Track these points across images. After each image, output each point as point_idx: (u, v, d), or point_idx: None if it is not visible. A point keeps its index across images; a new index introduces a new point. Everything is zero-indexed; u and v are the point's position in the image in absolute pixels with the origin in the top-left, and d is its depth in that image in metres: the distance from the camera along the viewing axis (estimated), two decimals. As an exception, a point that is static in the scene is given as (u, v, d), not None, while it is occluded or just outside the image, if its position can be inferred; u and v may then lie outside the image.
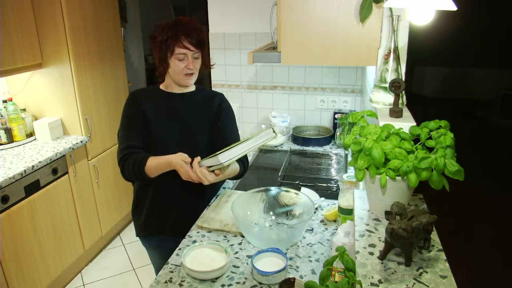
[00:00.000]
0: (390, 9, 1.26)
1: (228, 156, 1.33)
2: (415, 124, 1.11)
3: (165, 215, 1.65)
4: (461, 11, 1.04)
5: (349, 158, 1.82)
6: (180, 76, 1.56)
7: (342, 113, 2.54)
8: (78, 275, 2.82)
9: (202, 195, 1.69)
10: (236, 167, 1.59)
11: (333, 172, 2.07)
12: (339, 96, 2.60)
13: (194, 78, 1.60)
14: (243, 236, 1.46)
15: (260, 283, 1.21)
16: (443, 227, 1.01)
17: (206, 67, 1.66)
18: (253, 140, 1.34)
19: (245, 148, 1.35)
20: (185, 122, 1.61)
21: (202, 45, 1.56)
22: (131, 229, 3.35)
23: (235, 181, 1.97)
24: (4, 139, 2.54)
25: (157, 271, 1.80)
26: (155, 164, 1.49)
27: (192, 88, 1.70)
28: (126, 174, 1.55)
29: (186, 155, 1.44)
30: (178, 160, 1.43)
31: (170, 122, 1.60)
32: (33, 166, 2.28)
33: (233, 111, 1.77)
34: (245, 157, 1.70)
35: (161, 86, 1.67)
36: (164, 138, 1.59)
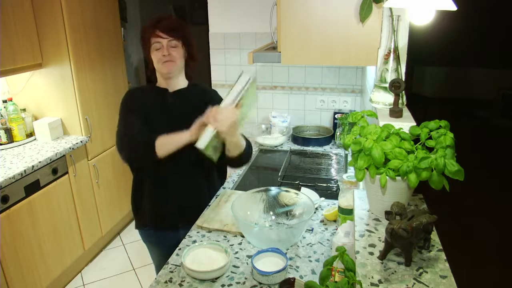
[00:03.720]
0: (390, 9, 1.26)
1: (231, 98, 1.41)
2: (415, 124, 1.11)
3: (162, 206, 1.67)
4: (461, 11, 1.04)
5: (349, 158, 1.82)
6: (159, 65, 1.60)
7: (342, 113, 2.54)
8: (78, 275, 2.82)
9: (199, 186, 1.70)
10: (243, 142, 1.59)
11: (333, 172, 2.07)
12: (339, 96, 2.60)
13: (174, 67, 1.60)
14: (243, 236, 1.46)
15: (260, 283, 1.21)
16: (443, 227, 1.01)
17: (192, 60, 1.68)
18: (237, 85, 1.42)
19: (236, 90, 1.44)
20: (178, 118, 1.61)
21: (179, 35, 1.58)
22: (131, 229, 3.35)
23: (235, 181, 1.97)
24: (4, 139, 2.54)
25: (157, 268, 1.81)
26: (168, 138, 1.50)
27: (184, 84, 1.71)
28: (126, 154, 1.56)
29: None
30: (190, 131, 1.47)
31: (163, 118, 1.62)
32: (33, 166, 2.28)
33: None
34: (247, 141, 1.67)
35: (157, 85, 1.70)
36: (156, 134, 1.60)
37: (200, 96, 1.72)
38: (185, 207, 1.66)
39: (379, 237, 0.96)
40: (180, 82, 1.69)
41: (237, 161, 1.63)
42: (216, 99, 1.76)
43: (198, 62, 1.71)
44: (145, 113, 1.61)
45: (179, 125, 1.59)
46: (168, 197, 1.65)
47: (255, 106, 1.53)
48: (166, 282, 1.24)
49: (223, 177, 1.91)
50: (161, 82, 1.67)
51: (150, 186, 1.66)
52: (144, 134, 1.54)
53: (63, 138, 2.73)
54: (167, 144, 1.50)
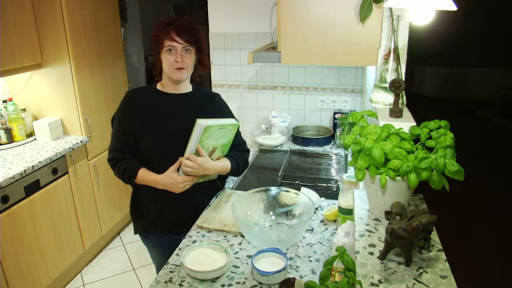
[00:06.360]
0: (390, 9, 1.26)
1: (207, 122, 1.49)
2: (415, 124, 1.11)
3: (162, 212, 1.66)
4: (461, 11, 1.04)
5: (349, 158, 1.82)
6: (170, 70, 1.57)
7: (342, 113, 2.54)
8: (78, 275, 2.82)
9: (199, 191, 1.69)
10: (227, 164, 1.67)
11: (333, 172, 2.07)
12: (339, 96, 2.60)
13: (185, 73, 1.60)
14: (243, 236, 1.46)
15: (260, 283, 1.21)
16: (443, 227, 1.01)
17: (202, 66, 1.67)
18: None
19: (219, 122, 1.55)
20: (182, 122, 1.61)
21: (194, 41, 1.57)
22: (131, 229, 3.33)
23: (235, 181, 1.97)
24: (4, 139, 2.54)
25: (158, 269, 1.81)
26: (145, 178, 1.61)
27: (189, 88, 1.71)
28: (116, 175, 1.67)
29: (174, 172, 1.58)
30: (167, 181, 1.57)
31: (166, 122, 1.61)
32: (33, 166, 2.28)
33: (231, 111, 1.79)
34: (238, 154, 1.72)
35: (158, 86, 1.69)
36: (159, 138, 1.60)
37: (206, 102, 1.72)
38: (187, 213, 1.65)
39: (379, 237, 0.96)
40: (186, 86, 1.69)
41: (231, 175, 1.76)
42: (219, 104, 1.77)
43: (207, 68, 1.71)
44: (146, 117, 1.60)
45: (184, 130, 1.58)
46: (170, 204, 1.65)
47: (229, 138, 1.63)
48: (166, 282, 1.24)
49: (224, 179, 1.91)
50: (167, 84, 1.66)
51: (150, 193, 1.65)
52: (131, 156, 1.63)
53: (63, 138, 2.73)
54: (144, 180, 1.62)
